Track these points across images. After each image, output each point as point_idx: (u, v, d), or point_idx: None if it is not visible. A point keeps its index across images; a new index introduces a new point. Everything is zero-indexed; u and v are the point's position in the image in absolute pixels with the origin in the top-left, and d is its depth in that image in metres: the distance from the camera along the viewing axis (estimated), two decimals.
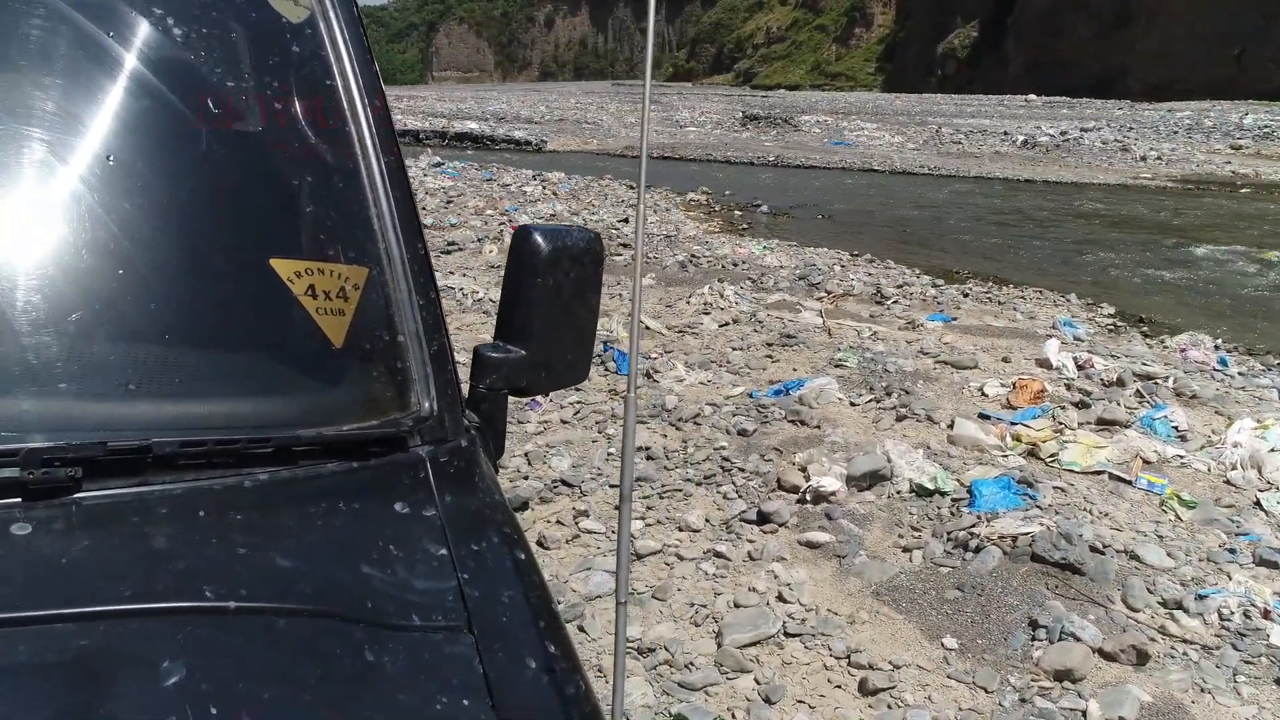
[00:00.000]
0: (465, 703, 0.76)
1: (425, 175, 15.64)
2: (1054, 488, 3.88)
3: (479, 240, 9.56)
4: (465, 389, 1.25)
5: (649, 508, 3.86)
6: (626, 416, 0.84)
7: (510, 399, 1.27)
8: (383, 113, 1.15)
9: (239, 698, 0.71)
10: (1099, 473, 4.11)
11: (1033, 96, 70.80)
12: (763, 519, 3.71)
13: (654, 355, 5.78)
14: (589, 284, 1.26)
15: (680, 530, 3.67)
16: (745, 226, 12.30)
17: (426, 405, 1.06)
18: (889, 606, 3.16)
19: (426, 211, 11.77)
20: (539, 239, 1.19)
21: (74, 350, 0.93)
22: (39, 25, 1.04)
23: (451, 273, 8.16)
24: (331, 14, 1.13)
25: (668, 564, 3.42)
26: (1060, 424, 4.61)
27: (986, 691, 2.74)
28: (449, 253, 9.12)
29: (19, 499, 0.81)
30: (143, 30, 1.06)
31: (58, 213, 0.98)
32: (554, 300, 1.20)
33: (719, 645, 2.91)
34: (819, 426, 4.63)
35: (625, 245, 9.74)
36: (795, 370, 5.59)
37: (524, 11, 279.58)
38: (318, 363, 1.06)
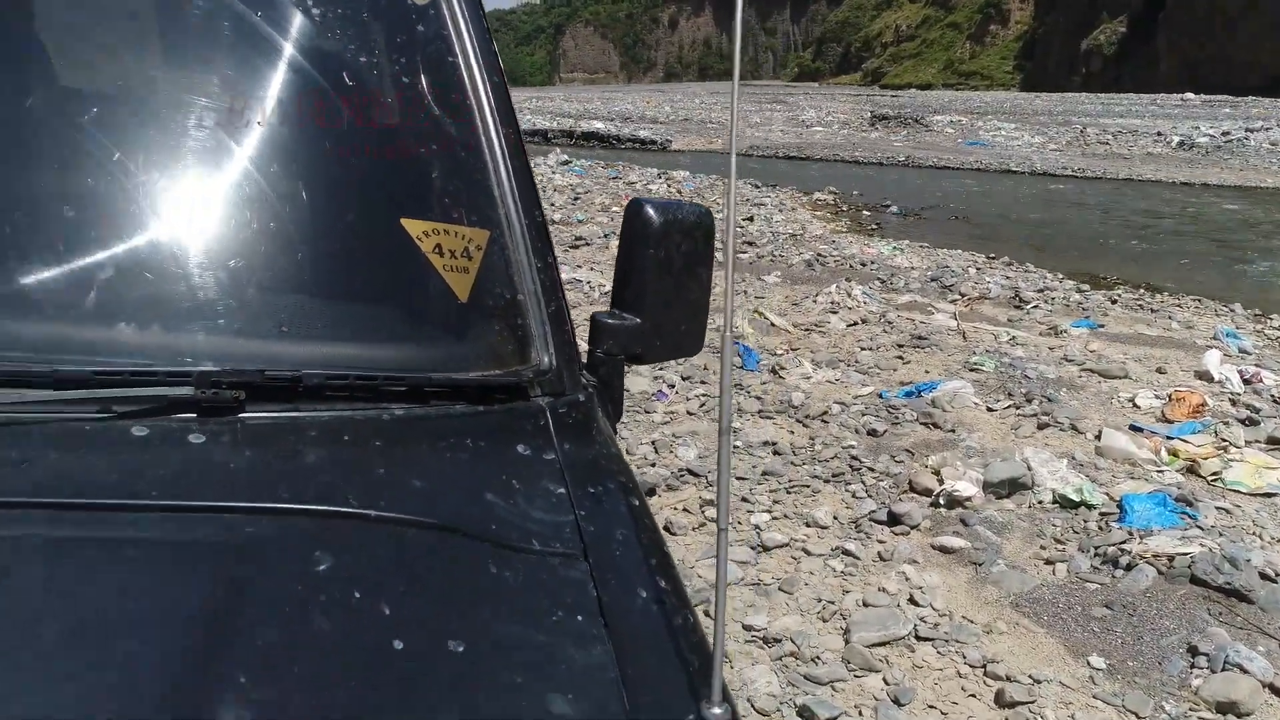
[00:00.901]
0: (579, 619, 0.80)
1: (553, 173, 15.95)
2: (1217, 508, 3.62)
3: (605, 236, 9.69)
4: (585, 355, 1.28)
5: (775, 501, 3.82)
6: (724, 350, 0.85)
7: (629, 369, 1.30)
8: (501, 89, 1.21)
9: (378, 588, 0.78)
10: (1269, 495, 3.80)
11: (1190, 95, 66.12)
12: (894, 520, 3.61)
13: (780, 352, 5.71)
14: (700, 258, 1.28)
15: (808, 526, 3.61)
16: (874, 227, 11.99)
17: (546, 360, 1.11)
18: (1029, 619, 3.01)
19: (554, 208, 12.01)
20: (650, 211, 1.22)
21: (239, 293, 1.04)
22: (201, 8, 1.17)
23: (579, 266, 8.30)
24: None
25: (794, 558, 3.37)
26: (1224, 441, 4.29)
27: (1138, 717, 2.57)
28: (576, 247, 9.28)
29: (195, 415, 0.93)
30: (289, 13, 1.17)
31: (224, 176, 1.11)
32: (665, 271, 1.23)
33: (846, 642, 2.85)
34: (953, 430, 4.47)
35: (750, 244, 9.68)
36: (927, 373, 5.42)
37: (648, 13, 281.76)
38: (445, 315, 1.14)
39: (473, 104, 1.18)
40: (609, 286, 7.49)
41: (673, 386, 5.09)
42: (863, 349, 5.85)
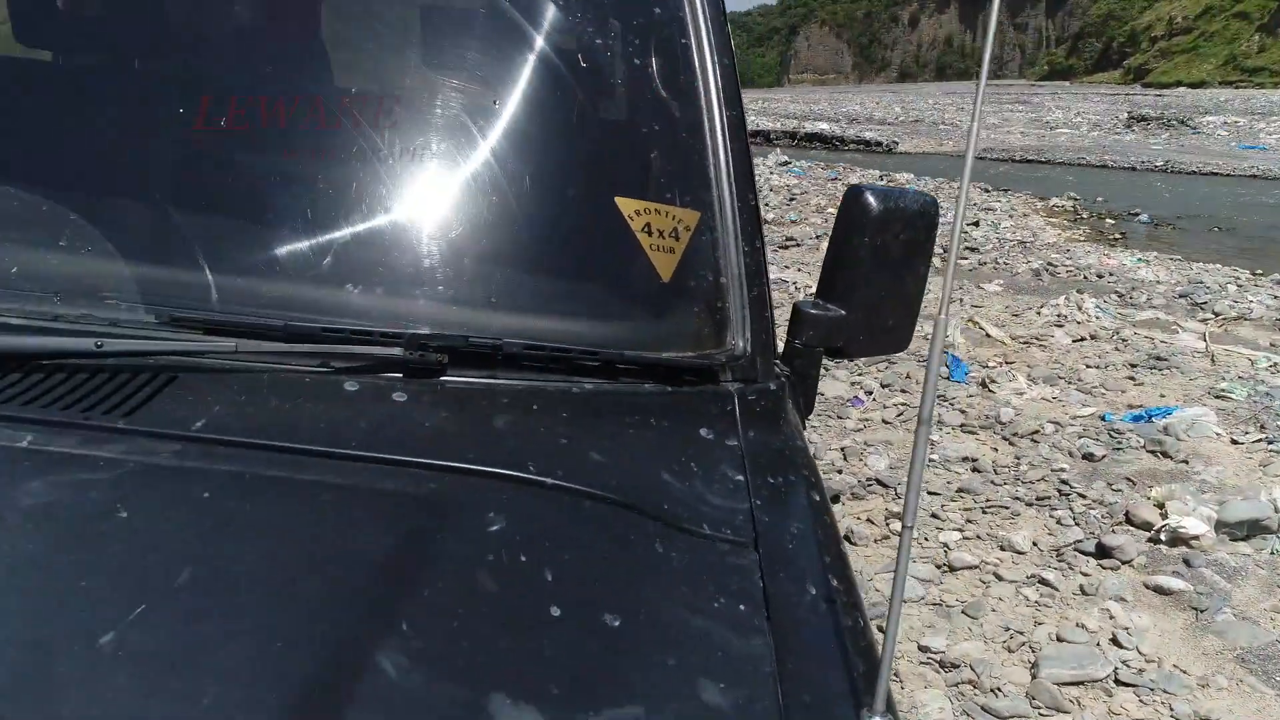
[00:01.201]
0: (741, 608, 0.78)
1: (771, 173, 15.88)
2: None
3: (816, 237, 9.53)
4: (782, 345, 1.26)
5: (969, 520, 3.62)
6: (935, 337, 0.80)
7: (827, 367, 1.27)
8: (730, 70, 1.20)
9: (545, 554, 0.80)
10: None
11: None
12: (1102, 552, 3.31)
13: (992, 364, 5.37)
14: (919, 249, 1.21)
15: (1002, 549, 3.39)
16: (1117, 236, 10.91)
17: (741, 345, 1.10)
18: (1257, 677, 2.66)
19: (769, 208, 11.97)
20: (870, 198, 1.17)
21: (454, 263, 1.10)
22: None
23: (787, 267, 8.23)
24: None
25: (983, 581, 3.18)
26: None
27: None
28: (786, 248, 9.20)
29: (401, 375, 0.99)
30: None
31: (454, 154, 1.17)
32: (881, 262, 1.17)
33: (1033, 677, 2.65)
34: (1186, 461, 4.02)
35: (973, 249, 9.16)
36: (1162, 396, 4.89)
37: (888, 11, 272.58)
38: (645, 294, 1.14)
39: (699, 86, 1.19)
40: (815, 289, 7.42)
41: (870, 393, 4.94)
42: (1088, 366, 5.38)
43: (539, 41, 1.19)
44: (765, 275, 1.16)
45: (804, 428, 1.18)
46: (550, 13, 1.21)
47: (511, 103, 1.18)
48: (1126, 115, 34.09)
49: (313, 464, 0.87)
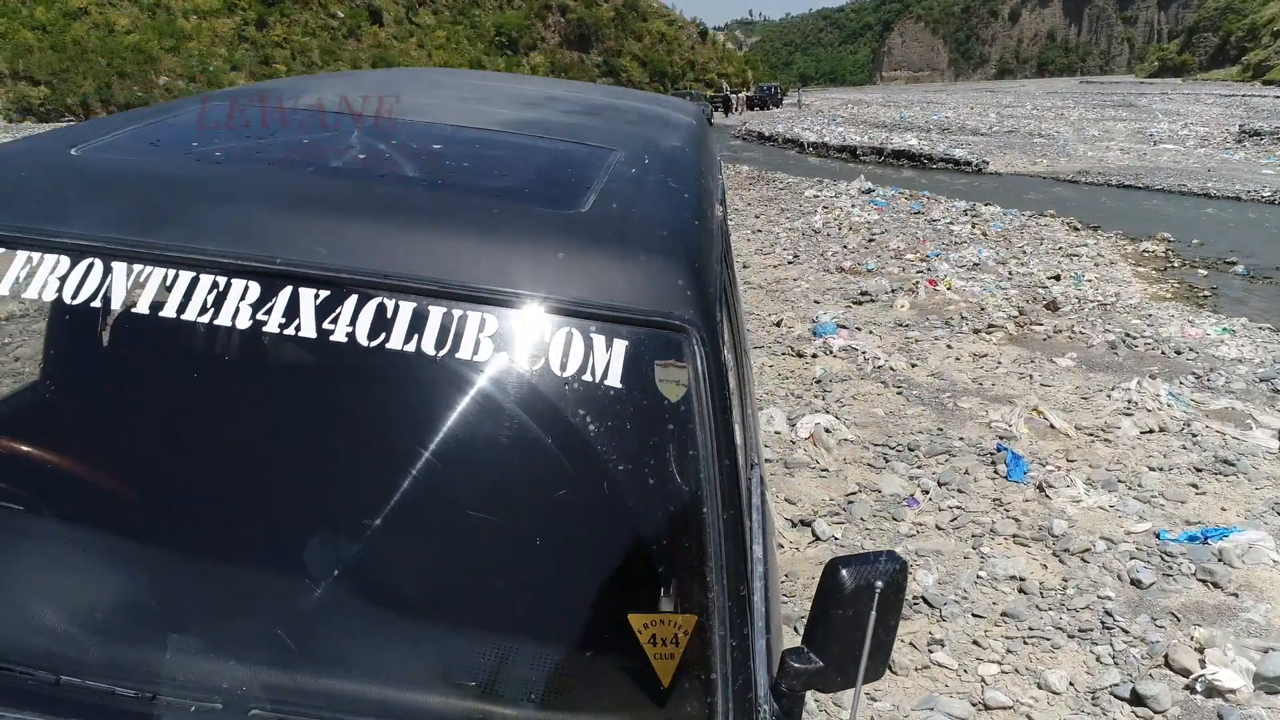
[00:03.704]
0: None
1: (853, 205, 15.88)
2: None
3: (891, 291, 9.61)
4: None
5: (1009, 650, 3.78)
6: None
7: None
8: (731, 471, 1.38)
9: None
10: None
11: None
12: (1137, 699, 3.45)
13: (1051, 463, 5.46)
14: (891, 607, 1.38)
15: (1039, 688, 3.56)
16: (1207, 293, 10.53)
17: None
18: None
19: (847, 251, 12.05)
20: (845, 574, 1.34)
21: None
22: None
23: (858, 329, 8.36)
24: (703, 389, 1.42)
25: None
26: None
27: None
28: (859, 303, 9.31)
29: None
30: (552, 404, 1.41)
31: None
32: (856, 623, 1.35)
33: None
34: (1236, 594, 4.09)
35: (1051, 307, 9.10)
36: (1223, 510, 4.92)
37: (987, 5, 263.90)
38: (649, 694, 1.33)
39: (704, 494, 1.35)
40: (883, 360, 7.47)
41: (926, 493, 5.10)
42: (1151, 468, 5.41)
43: (559, 455, 1.39)
44: (752, 663, 1.34)
45: None
46: (573, 424, 1.38)
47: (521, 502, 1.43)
48: (1238, 127, 32.47)
49: None
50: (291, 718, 1.22)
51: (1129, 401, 6.42)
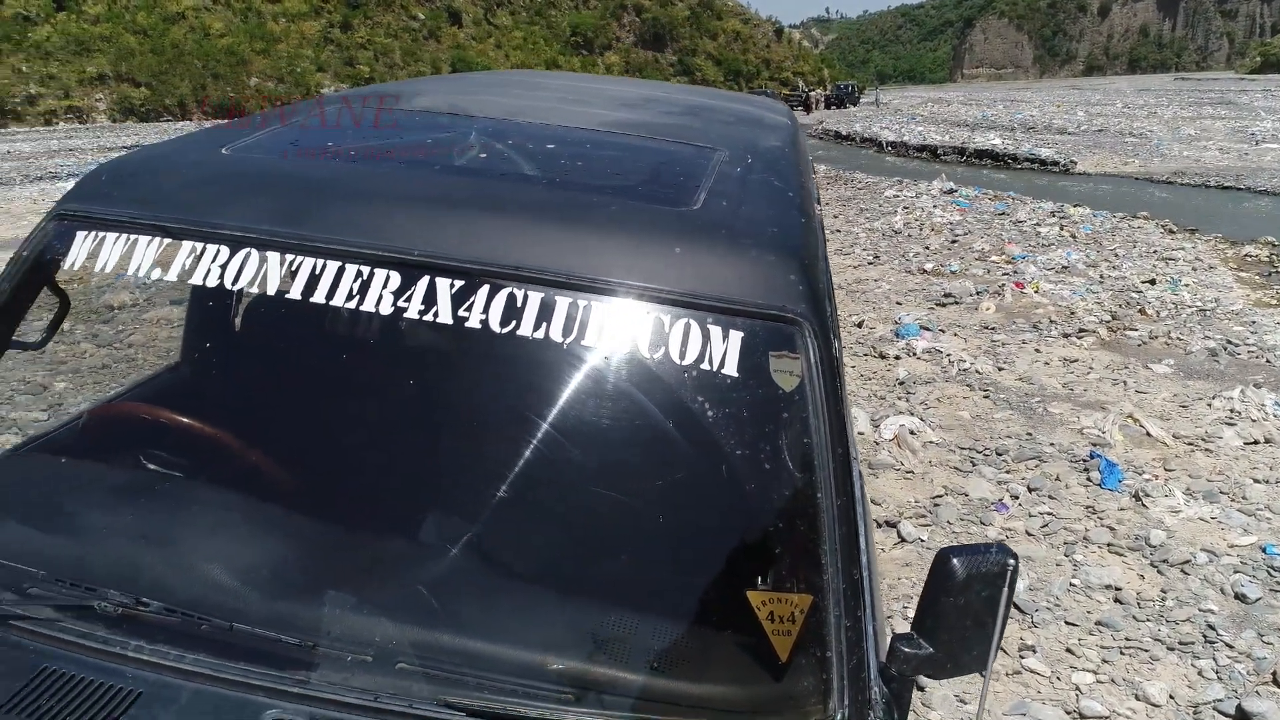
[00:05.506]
0: None
1: (934, 205, 15.57)
2: None
3: (976, 294, 9.41)
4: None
5: (1105, 660, 3.69)
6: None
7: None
8: (844, 460, 1.42)
9: None
10: None
11: None
12: (1242, 716, 3.33)
13: (1149, 472, 5.29)
14: (999, 598, 1.38)
15: (1136, 699, 3.47)
16: None
17: (840, 712, 1.33)
18: None
19: (929, 252, 11.84)
20: (956, 564, 1.34)
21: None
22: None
23: (942, 330, 8.22)
24: (816, 380, 1.46)
25: None
26: None
27: None
28: (943, 305, 9.14)
29: None
30: (672, 395, 1.48)
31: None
32: (966, 612, 1.36)
33: None
34: None
35: (1144, 312, 8.80)
36: None
37: (1075, 0, 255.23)
38: (766, 668, 1.39)
39: (818, 481, 1.41)
40: (969, 362, 7.33)
41: (1016, 498, 5.01)
42: (1256, 480, 5.20)
43: (678, 436, 1.47)
44: (865, 642, 1.37)
45: None
46: (694, 414, 1.46)
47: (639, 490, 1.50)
48: None
49: None
50: (434, 672, 1.29)
51: (1232, 411, 6.18)
